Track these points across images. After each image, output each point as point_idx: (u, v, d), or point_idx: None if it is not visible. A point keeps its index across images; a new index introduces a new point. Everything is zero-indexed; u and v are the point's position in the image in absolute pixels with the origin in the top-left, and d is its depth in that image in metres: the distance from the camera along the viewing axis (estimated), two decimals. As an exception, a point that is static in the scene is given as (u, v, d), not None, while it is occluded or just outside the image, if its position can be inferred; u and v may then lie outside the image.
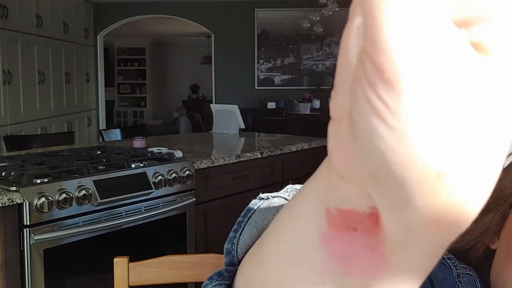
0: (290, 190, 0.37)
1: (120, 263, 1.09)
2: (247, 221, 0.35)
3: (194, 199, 2.34)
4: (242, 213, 0.36)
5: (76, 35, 6.44)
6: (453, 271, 0.55)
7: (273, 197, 0.35)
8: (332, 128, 0.19)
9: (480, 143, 0.15)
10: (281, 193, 0.37)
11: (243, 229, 0.34)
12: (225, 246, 0.34)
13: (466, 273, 0.57)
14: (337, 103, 0.18)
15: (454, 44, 0.14)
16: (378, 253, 0.19)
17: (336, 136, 0.19)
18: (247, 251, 0.31)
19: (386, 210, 0.18)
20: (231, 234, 0.34)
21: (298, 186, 0.37)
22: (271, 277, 0.24)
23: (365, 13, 0.15)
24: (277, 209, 0.34)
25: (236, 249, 0.33)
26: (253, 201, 0.37)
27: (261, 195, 0.37)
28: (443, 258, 0.56)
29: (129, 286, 1.09)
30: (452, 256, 0.57)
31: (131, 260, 1.10)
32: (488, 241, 0.58)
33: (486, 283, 0.58)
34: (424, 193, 0.16)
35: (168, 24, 9.04)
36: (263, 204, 0.35)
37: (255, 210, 0.35)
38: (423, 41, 0.13)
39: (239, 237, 0.33)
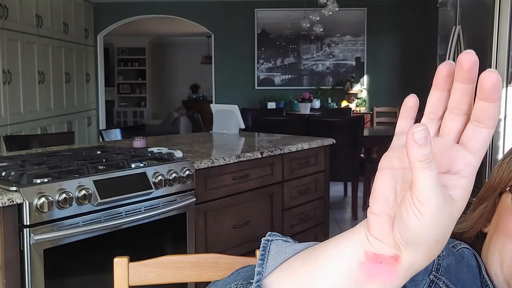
0: (277, 235, 0.53)
1: (120, 263, 1.09)
2: (268, 254, 0.49)
3: (194, 199, 2.34)
4: (261, 248, 0.50)
5: (76, 35, 6.44)
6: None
7: (276, 239, 0.51)
8: (373, 218, 0.40)
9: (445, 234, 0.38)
10: (278, 237, 0.53)
11: (267, 259, 0.48)
12: (256, 269, 0.47)
13: (463, 247, 0.70)
14: (378, 208, 0.40)
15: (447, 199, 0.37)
16: (393, 273, 0.40)
17: (376, 222, 0.40)
18: (271, 272, 0.47)
19: (407, 254, 0.39)
20: (259, 262, 0.48)
21: (279, 235, 0.54)
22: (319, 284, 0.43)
23: (413, 177, 0.36)
24: (292, 247, 0.49)
25: (264, 272, 0.47)
26: (263, 241, 0.51)
27: (266, 237, 0.52)
28: None
29: (129, 286, 1.09)
30: None
31: (131, 260, 1.10)
32: (481, 226, 0.73)
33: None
34: (429, 248, 0.38)
35: (168, 24, 9.04)
36: (274, 243, 0.51)
37: (270, 246, 0.50)
38: (434, 195, 0.36)
39: (266, 264, 0.48)
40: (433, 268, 0.64)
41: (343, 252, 0.42)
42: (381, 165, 0.40)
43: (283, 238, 0.51)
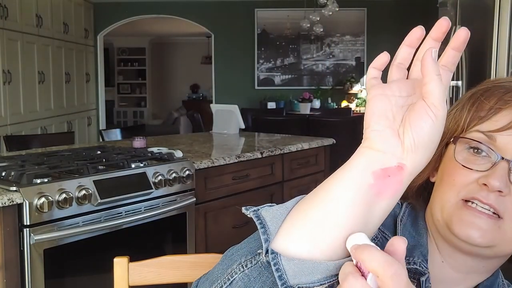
0: (257, 207, 0.53)
1: (120, 263, 1.09)
2: (265, 220, 0.48)
3: (194, 199, 2.34)
4: (255, 219, 0.49)
5: (76, 35, 6.44)
6: None
7: (261, 208, 0.50)
8: (375, 134, 0.46)
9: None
10: (259, 206, 0.52)
11: (267, 225, 0.47)
12: (262, 237, 0.47)
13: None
14: (380, 124, 0.46)
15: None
16: (399, 183, 0.45)
17: (380, 137, 0.46)
18: (276, 235, 0.46)
19: (412, 159, 0.45)
20: (261, 230, 0.47)
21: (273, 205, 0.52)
22: (332, 211, 0.45)
23: (428, 89, 0.44)
24: (281, 207, 0.49)
25: (270, 238, 0.46)
26: (251, 213, 0.50)
27: (250, 210, 0.51)
28: None
29: (129, 286, 1.09)
30: None
31: (131, 260, 1.10)
32: (427, 174, 0.75)
33: (418, 212, 0.75)
34: (431, 149, 0.46)
35: (168, 24, 9.04)
36: (262, 210, 0.50)
37: (261, 213, 0.49)
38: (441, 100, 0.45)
39: (268, 230, 0.47)
40: None
41: (349, 183, 0.46)
42: (373, 93, 0.48)
43: (265, 205, 0.52)
